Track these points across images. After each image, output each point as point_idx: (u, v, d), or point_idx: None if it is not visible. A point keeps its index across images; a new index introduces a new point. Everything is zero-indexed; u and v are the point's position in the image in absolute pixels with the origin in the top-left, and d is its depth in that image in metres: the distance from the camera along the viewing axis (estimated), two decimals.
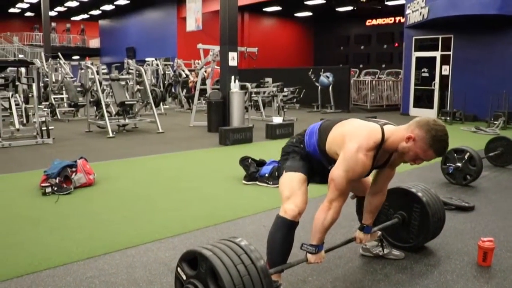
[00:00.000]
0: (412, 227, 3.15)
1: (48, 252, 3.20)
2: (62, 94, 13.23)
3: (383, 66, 23.29)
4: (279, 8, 24.91)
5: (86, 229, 3.71)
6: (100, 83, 9.99)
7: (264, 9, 25.29)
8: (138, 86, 12.08)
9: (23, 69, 11.95)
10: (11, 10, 33.74)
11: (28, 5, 31.08)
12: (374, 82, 17.11)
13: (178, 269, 2.14)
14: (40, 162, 6.34)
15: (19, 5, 31.52)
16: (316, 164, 2.62)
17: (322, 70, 15.50)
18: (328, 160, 2.52)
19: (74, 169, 5.06)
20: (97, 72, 10.15)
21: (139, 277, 2.83)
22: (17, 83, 9.71)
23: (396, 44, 23.38)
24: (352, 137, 2.32)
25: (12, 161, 6.72)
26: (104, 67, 14.03)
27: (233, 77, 9.85)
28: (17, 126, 8.21)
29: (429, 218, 3.07)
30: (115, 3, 28.09)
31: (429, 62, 13.64)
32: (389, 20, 25.20)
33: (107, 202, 4.55)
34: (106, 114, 9.44)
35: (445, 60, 13.26)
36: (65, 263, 3.03)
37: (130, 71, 12.70)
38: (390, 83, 17.24)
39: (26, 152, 7.46)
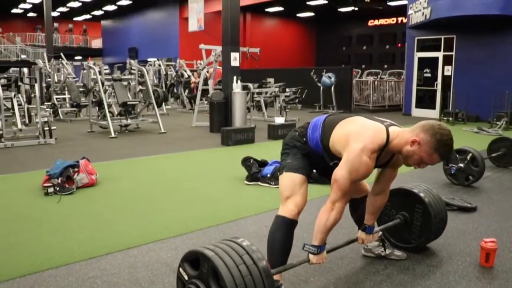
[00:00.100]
0: (414, 228, 3.15)
1: (50, 252, 3.20)
2: (64, 94, 13.26)
3: (385, 66, 23.25)
4: (281, 8, 24.91)
5: (88, 229, 3.71)
6: (102, 84, 10.00)
7: (266, 10, 25.29)
8: (140, 87, 12.09)
9: (25, 70, 12.00)
10: (14, 10, 33.81)
11: (30, 6, 31.14)
12: (376, 82, 17.09)
13: (180, 269, 2.14)
14: (43, 162, 6.35)
15: (22, 5, 31.59)
16: (317, 159, 2.60)
17: (324, 70, 15.49)
18: (330, 156, 2.51)
19: (76, 169, 5.06)
20: (99, 73, 10.16)
21: (141, 277, 2.84)
22: (19, 83, 9.75)
23: (399, 45, 23.36)
24: (356, 137, 2.30)
25: (15, 161, 6.73)
26: (106, 67, 14.07)
27: (235, 78, 9.85)
28: (19, 126, 8.23)
29: (431, 218, 3.06)
30: (117, 3, 28.14)
31: (432, 63, 13.63)
32: (391, 21, 25.18)
33: (109, 202, 4.56)
34: (108, 114, 9.45)
35: (447, 60, 13.24)
36: (67, 263, 3.03)
37: (132, 71, 12.71)
38: (392, 83, 17.21)
39: (29, 152, 7.47)
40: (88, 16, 35.89)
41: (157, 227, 3.76)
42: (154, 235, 3.55)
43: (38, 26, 34.14)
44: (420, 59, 13.91)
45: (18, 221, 3.92)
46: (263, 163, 5.48)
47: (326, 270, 2.92)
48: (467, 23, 12.08)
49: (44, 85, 13.57)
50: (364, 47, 26.78)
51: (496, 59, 12.13)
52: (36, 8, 30.29)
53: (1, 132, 7.89)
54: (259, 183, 5.25)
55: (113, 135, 9.10)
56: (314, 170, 2.75)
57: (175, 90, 16.62)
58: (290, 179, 2.55)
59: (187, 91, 15.56)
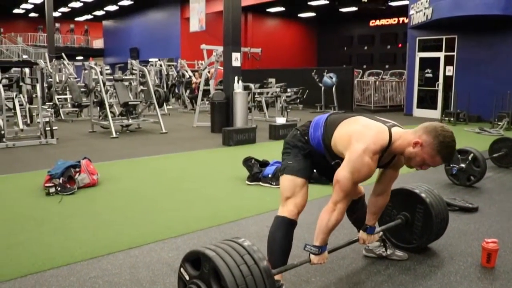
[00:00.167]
0: (415, 228, 3.14)
1: (51, 252, 3.21)
2: (65, 94, 13.28)
3: (387, 66, 23.22)
4: (282, 8, 24.90)
5: (90, 229, 3.71)
6: (104, 84, 10.01)
7: (268, 10, 25.28)
8: (141, 87, 12.09)
9: (27, 70, 12.02)
10: (16, 11, 33.85)
11: (32, 6, 31.18)
12: (377, 82, 17.07)
13: (181, 269, 2.14)
14: (44, 162, 6.36)
15: (23, 5, 31.63)
16: (318, 159, 2.60)
17: (326, 70, 15.48)
18: (331, 155, 2.50)
19: (77, 169, 5.06)
20: (101, 73, 10.17)
21: (142, 277, 2.84)
22: (21, 83, 9.76)
23: (400, 45, 23.34)
24: (359, 138, 2.29)
25: (16, 161, 6.74)
26: (108, 67, 14.10)
27: (236, 78, 9.86)
28: (21, 126, 8.24)
29: (433, 219, 3.06)
30: (119, 3, 28.15)
31: (433, 63, 13.62)
32: (393, 21, 25.15)
33: (110, 203, 4.56)
34: (109, 115, 9.47)
35: (449, 60, 13.23)
36: (69, 263, 3.03)
37: (134, 71, 12.71)
38: (394, 83, 17.19)
39: (30, 152, 7.48)
40: (89, 16, 35.92)
41: (158, 227, 3.76)
42: (155, 235, 3.55)
43: (40, 26, 34.18)
44: (421, 59, 13.90)
45: (19, 221, 3.92)
46: (265, 163, 5.49)
47: (327, 271, 2.92)
48: (469, 23, 12.06)
49: (45, 85, 13.59)
50: (366, 47, 26.76)
51: (497, 59, 12.12)
52: (38, 8, 30.33)
53: (2, 132, 7.90)
54: (260, 183, 5.26)
55: (114, 135, 9.11)
56: (315, 170, 2.74)
57: (177, 90, 16.63)
58: (290, 181, 2.55)
59: (188, 91, 15.57)
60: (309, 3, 22.81)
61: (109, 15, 33.28)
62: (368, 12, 24.60)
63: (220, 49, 10.93)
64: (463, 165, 5.21)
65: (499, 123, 10.86)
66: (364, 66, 23.90)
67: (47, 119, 8.51)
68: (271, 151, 7.13)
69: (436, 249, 3.29)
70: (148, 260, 3.10)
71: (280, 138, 8.82)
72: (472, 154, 5.17)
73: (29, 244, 3.36)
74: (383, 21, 25.77)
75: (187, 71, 16.14)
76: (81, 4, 29.56)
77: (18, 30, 34.87)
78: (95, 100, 10.45)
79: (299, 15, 27.08)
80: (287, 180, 2.57)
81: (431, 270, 2.96)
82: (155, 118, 10.43)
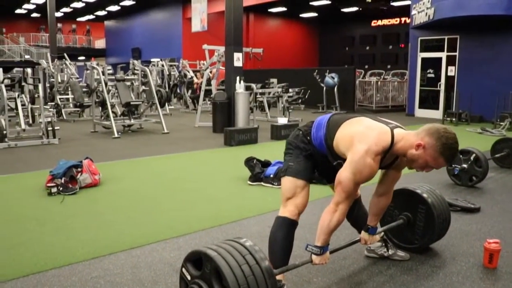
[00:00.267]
0: (417, 228, 3.14)
1: (53, 252, 3.21)
2: (67, 94, 13.28)
3: (389, 67, 23.22)
4: (284, 8, 24.90)
5: (91, 229, 3.72)
6: (106, 84, 10.02)
7: (269, 10, 25.29)
8: (143, 87, 12.11)
9: (29, 70, 11.98)
10: (18, 11, 33.90)
11: (34, 6, 31.22)
12: (379, 83, 17.06)
13: (183, 269, 2.14)
14: (46, 162, 6.37)
15: (26, 6, 31.67)
16: (320, 159, 2.60)
17: (327, 70, 15.47)
18: (333, 155, 2.50)
19: (79, 169, 5.07)
20: (103, 73, 10.17)
21: (144, 277, 2.84)
22: (23, 83, 9.76)
23: (402, 45, 23.31)
24: (361, 139, 2.29)
25: (18, 161, 6.75)
26: (110, 67, 14.09)
27: (238, 78, 9.86)
28: (23, 126, 8.25)
29: (434, 219, 3.06)
30: (121, 3, 28.17)
31: (435, 63, 13.60)
32: (395, 21, 25.13)
33: (112, 203, 4.57)
34: (111, 115, 9.47)
35: (451, 61, 13.21)
36: (71, 263, 3.04)
37: (136, 71, 12.74)
38: (396, 84, 17.18)
39: (32, 152, 7.49)
40: (91, 17, 35.95)
41: (160, 227, 3.76)
42: (157, 235, 3.55)
43: (42, 27, 34.23)
44: (423, 59, 13.89)
45: (21, 221, 3.93)
46: (266, 164, 5.49)
47: (329, 271, 2.92)
48: (471, 23, 12.05)
49: (47, 85, 13.60)
50: (367, 48, 26.74)
51: (500, 60, 12.10)
52: (40, 8, 30.39)
53: (5, 132, 7.92)
54: (262, 183, 5.26)
55: (116, 135, 9.11)
56: (316, 171, 2.74)
57: (178, 91, 16.63)
58: (291, 183, 2.56)
59: (190, 91, 15.58)
60: (310, 3, 22.81)
61: (111, 15, 33.31)
62: (370, 12, 24.58)
63: (222, 49, 10.94)
64: (465, 166, 5.21)
65: (501, 123, 10.84)
66: (366, 66, 23.87)
67: (49, 119, 8.51)
68: (272, 151, 7.14)
69: (438, 249, 3.29)
70: (150, 260, 3.10)
71: (282, 138, 8.81)
72: (474, 155, 5.17)
73: (31, 244, 3.37)
74: (385, 21, 25.75)
75: (189, 71, 16.14)
76: (83, 4, 29.59)
77: (20, 30, 34.92)
78: (97, 100, 10.46)
79: (300, 15, 27.08)
80: (288, 182, 2.57)
81: (433, 270, 2.95)
82: (157, 118, 10.44)
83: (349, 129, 2.42)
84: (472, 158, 5.18)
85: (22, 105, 8.67)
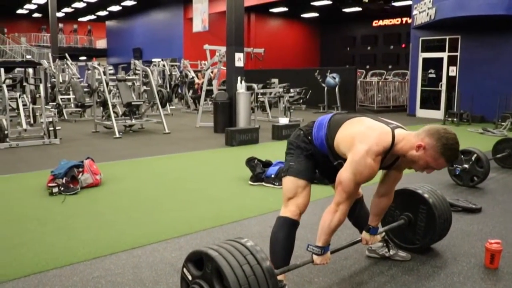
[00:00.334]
0: (418, 229, 3.14)
1: (54, 252, 3.21)
2: (69, 94, 13.29)
3: (390, 67, 23.22)
4: (285, 9, 24.91)
5: (93, 229, 3.72)
6: (107, 84, 10.03)
7: (270, 10, 25.29)
8: (144, 87, 12.12)
9: (30, 70, 12.03)
10: (19, 11, 33.94)
11: (35, 6, 31.26)
12: (380, 83, 17.04)
13: (184, 269, 2.14)
14: (47, 162, 6.38)
15: (27, 6, 31.70)
16: (321, 159, 2.60)
17: (329, 71, 15.47)
18: (334, 155, 2.50)
19: (81, 169, 5.08)
20: (104, 73, 10.19)
21: (145, 277, 2.84)
22: (24, 83, 9.77)
23: (403, 45, 23.30)
24: (362, 139, 2.28)
25: (20, 161, 6.76)
26: (111, 67, 14.11)
27: (239, 78, 9.86)
28: (24, 126, 8.26)
29: (436, 219, 3.05)
30: (122, 4, 28.19)
31: (436, 63, 13.59)
32: (396, 21, 25.13)
33: (113, 203, 4.57)
34: (112, 115, 9.48)
35: (452, 61, 13.20)
36: (72, 263, 3.04)
37: (137, 71, 12.75)
38: (397, 84, 17.17)
39: (33, 152, 7.50)
40: (92, 17, 35.98)
41: (161, 227, 3.76)
42: (158, 235, 3.55)
43: (43, 27, 34.25)
44: (424, 59, 13.88)
45: (22, 221, 3.93)
46: (267, 164, 5.49)
47: (330, 271, 2.92)
48: (472, 23, 12.03)
49: (49, 85, 13.62)
50: (369, 48, 26.74)
51: (501, 60, 12.09)
52: (41, 8, 30.41)
53: (6, 132, 7.93)
54: (263, 183, 5.26)
55: (117, 135, 9.12)
56: (317, 171, 2.74)
57: (179, 91, 16.64)
58: (293, 183, 2.56)
59: (191, 91, 15.59)
60: (312, 3, 22.82)
61: (112, 16, 33.33)
62: (371, 13, 24.58)
63: (223, 49, 10.94)
64: (466, 166, 5.20)
65: (502, 123, 10.83)
66: (367, 67, 23.88)
67: (50, 119, 8.53)
68: (274, 151, 7.14)
69: (439, 249, 3.28)
70: (151, 260, 3.10)
71: (283, 138, 8.81)
72: (475, 155, 5.16)
73: (32, 244, 3.37)
74: (386, 22, 25.75)
75: (190, 71, 16.15)
76: (85, 4, 29.62)
77: (21, 30, 34.95)
78: (98, 100, 10.48)
79: (302, 15, 27.09)
80: (289, 182, 2.57)
81: (434, 270, 2.95)
82: (158, 118, 10.44)
83: (350, 129, 2.41)
84: (473, 158, 5.17)
85: (24, 105, 8.68)
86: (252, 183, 5.32)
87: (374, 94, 16.36)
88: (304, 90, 14.78)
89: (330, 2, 22.48)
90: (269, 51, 16.34)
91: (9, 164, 6.50)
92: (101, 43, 37.20)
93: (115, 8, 29.93)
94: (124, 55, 30.96)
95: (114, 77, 11.31)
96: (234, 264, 1.94)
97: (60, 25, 32.75)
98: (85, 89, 11.84)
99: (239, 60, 10.08)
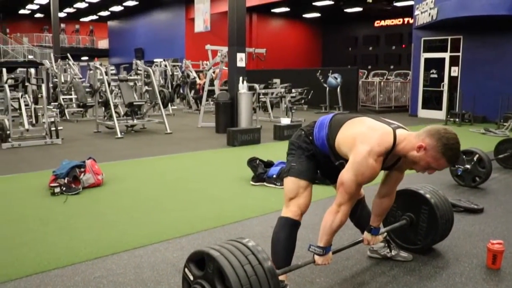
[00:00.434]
0: (420, 229, 3.14)
1: (56, 252, 3.22)
2: (71, 94, 13.31)
3: (392, 67, 23.17)
4: (287, 9, 24.88)
5: (94, 229, 3.73)
6: (109, 84, 10.04)
7: (272, 10, 25.27)
8: (146, 87, 12.12)
9: (32, 70, 12.05)
10: (21, 11, 34.01)
11: (38, 7, 31.30)
12: (382, 83, 17.03)
13: (186, 269, 2.14)
14: (49, 162, 6.38)
15: (29, 6, 31.76)
16: (322, 159, 2.60)
17: (330, 71, 15.46)
18: (335, 155, 2.50)
19: (82, 169, 5.08)
20: (106, 73, 10.20)
21: (147, 277, 2.84)
22: (26, 83, 9.79)
23: (405, 45, 23.27)
24: (363, 140, 2.28)
25: (22, 161, 6.77)
26: (113, 68, 14.13)
27: (241, 78, 9.86)
28: (26, 126, 8.27)
29: (437, 220, 3.05)
30: (124, 4, 28.21)
31: (438, 63, 13.57)
32: (398, 21, 25.08)
33: (115, 203, 4.57)
34: (114, 115, 9.49)
35: (454, 61, 13.18)
36: (73, 263, 3.04)
37: (139, 72, 12.75)
38: (399, 84, 17.15)
39: (35, 152, 7.51)
40: (94, 17, 36.03)
41: (162, 228, 3.77)
42: (160, 236, 3.56)
43: (45, 27, 34.33)
44: (426, 59, 13.86)
45: (24, 221, 3.94)
46: (269, 164, 5.48)
47: (332, 271, 2.92)
48: (474, 23, 12.01)
49: (51, 85, 13.64)
50: (370, 48, 26.69)
51: (503, 60, 12.06)
52: (43, 9, 30.45)
53: (8, 132, 7.94)
54: (265, 183, 5.25)
55: (119, 135, 9.13)
56: (319, 171, 2.74)
57: (181, 91, 16.65)
58: (294, 183, 2.56)
59: (193, 91, 15.59)
60: (314, 3, 22.79)
61: (114, 16, 33.35)
62: (373, 13, 24.55)
63: (225, 49, 10.95)
64: (468, 166, 5.19)
65: (504, 124, 10.81)
66: (369, 67, 23.84)
67: (52, 119, 8.54)
68: (275, 152, 7.13)
69: (441, 250, 3.28)
70: (152, 260, 3.11)
71: (284, 138, 8.81)
72: (477, 155, 5.16)
73: (34, 244, 3.38)
74: (388, 22, 25.70)
75: (191, 72, 16.16)
76: (86, 4, 29.66)
77: (23, 30, 35.03)
78: (100, 100, 10.49)
79: (303, 15, 27.06)
80: (290, 182, 2.57)
81: (436, 271, 2.95)
82: (160, 119, 10.45)
83: (351, 129, 2.41)
84: (475, 158, 5.17)
85: (26, 105, 8.69)
86: (253, 183, 5.32)
87: (376, 94, 16.35)
88: (306, 90, 14.78)
89: (332, 2, 22.45)
90: (271, 51, 16.36)
91: (11, 164, 6.51)
92: (103, 43, 37.24)
93: (117, 8, 29.96)
94: (126, 55, 30.99)
95: (116, 77, 11.31)
96: (235, 264, 1.94)
97: (62, 25, 32.78)
98: (87, 89, 11.85)
99: (241, 60, 10.08)
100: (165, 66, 16.68)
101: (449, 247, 3.33)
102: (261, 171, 5.33)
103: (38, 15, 35.33)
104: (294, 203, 2.53)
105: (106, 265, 3.02)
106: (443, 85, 13.42)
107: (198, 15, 17.64)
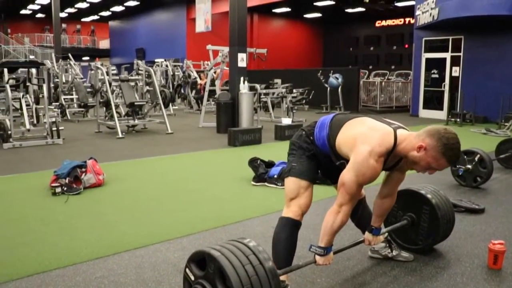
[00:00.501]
0: (421, 229, 3.13)
1: (57, 252, 3.22)
2: (72, 94, 13.33)
3: (393, 67, 23.16)
4: (288, 9, 24.90)
5: (95, 229, 3.73)
6: (110, 84, 10.04)
7: (273, 10, 25.28)
8: (147, 87, 12.12)
9: (33, 70, 12.07)
10: (23, 11, 34.06)
11: (39, 7, 31.35)
12: (383, 83, 17.03)
13: (187, 269, 2.14)
14: (50, 163, 6.39)
15: (30, 6, 31.81)
16: (323, 159, 2.59)
17: (331, 71, 15.46)
18: (336, 155, 2.49)
19: (83, 169, 5.08)
20: (107, 73, 10.21)
21: (148, 277, 2.84)
22: (27, 83, 9.80)
23: (406, 45, 23.26)
24: (364, 140, 2.28)
25: (23, 161, 6.77)
26: (114, 68, 14.13)
27: (242, 78, 9.86)
28: (27, 126, 8.27)
29: (439, 220, 3.05)
30: (125, 4, 28.24)
31: (439, 64, 13.56)
32: (399, 21, 25.08)
33: (116, 203, 4.58)
34: (115, 115, 9.49)
35: (455, 61, 13.17)
36: (75, 263, 3.05)
37: (140, 72, 12.75)
38: (400, 84, 17.14)
39: (37, 152, 7.51)
40: (95, 17, 36.06)
41: (163, 228, 3.77)
42: (161, 236, 3.56)
43: (47, 27, 34.37)
44: (427, 60, 13.85)
45: (25, 221, 3.94)
46: (270, 164, 5.48)
47: (333, 271, 2.92)
48: (475, 23, 12.00)
49: (52, 85, 13.65)
50: (372, 48, 26.70)
51: (504, 60, 12.05)
52: (45, 9, 30.51)
53: (9, 132, 7.95)
54: (266, 184, 5.25)
55: (120, 135, 9.13)
56: (319, 171, 2.74)
57: (182, 91, 16.66)
58: (295, 183, 2.55)
59: (194, 91, 15.60)
60: (315, 3, 22.80)
61: (115, 16, 33.38)
62: (374, 13, 24.55)
63: (226, 49, 10.95)
64: (469, 166, 5.19)
65: (505, 124, 10.80)
66: (370, 67, 23.84)
67: (53, 119, 8.55)
68: (276, 152, 7.13)
69: (442, 250, 3.28)
70: (153, 260, 3.11)
71: (285, 138, 8.81)
72: (478, 155, 5.15)
73: (35, 244, 3.38)
74: (389, 22, 25.70)
75: (192, 72, 16.17)
76: (88, 4, 29.70)
77: (25, 30, 35.08)
78: (101, 100, 10.49)
79: (305, 15, 27.07)
80: (291, 182, 2.57)
81: (437, 271, 2.95)
82: (161, 119, 10.45)
83: (352, 130, 2.41)
84: (476, 159, 5.16)
85: (27, 105, 8.69)
86: (254, 183, 5.31)
87: (377, 94, 16.35)
88: (307, 91, 14.77)
89: (333, 3, 22.46)
90: (272, 51, 16.33)
91: (12, 164, 6.52)
92: (104, 44, 37.28)
93: (118, 8, 29.99)
94: (127, 55, 31.02)
95: (117, 77, 11.31)
96: (236, 264, 1.94)
97: (63, 25, 32.79)
98: (88, 89, 11.86)
99: (242, 60, 10.08)
100: (166, 66, 16.69)
101: (450, 247, 3.33)
102: (262, 171, 5.33)
103: (39, 15, 35.39)
104: (295, 203, 2.53)
105: (107, 265, 3.02)
106: (444, 85, 13.42)
107: (199, 15, 17.64)
